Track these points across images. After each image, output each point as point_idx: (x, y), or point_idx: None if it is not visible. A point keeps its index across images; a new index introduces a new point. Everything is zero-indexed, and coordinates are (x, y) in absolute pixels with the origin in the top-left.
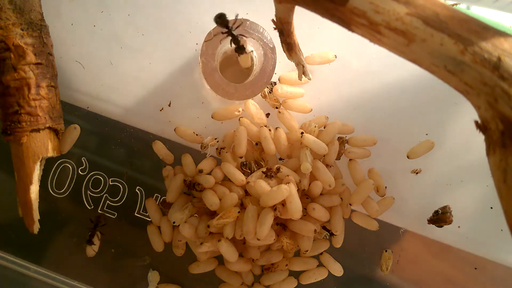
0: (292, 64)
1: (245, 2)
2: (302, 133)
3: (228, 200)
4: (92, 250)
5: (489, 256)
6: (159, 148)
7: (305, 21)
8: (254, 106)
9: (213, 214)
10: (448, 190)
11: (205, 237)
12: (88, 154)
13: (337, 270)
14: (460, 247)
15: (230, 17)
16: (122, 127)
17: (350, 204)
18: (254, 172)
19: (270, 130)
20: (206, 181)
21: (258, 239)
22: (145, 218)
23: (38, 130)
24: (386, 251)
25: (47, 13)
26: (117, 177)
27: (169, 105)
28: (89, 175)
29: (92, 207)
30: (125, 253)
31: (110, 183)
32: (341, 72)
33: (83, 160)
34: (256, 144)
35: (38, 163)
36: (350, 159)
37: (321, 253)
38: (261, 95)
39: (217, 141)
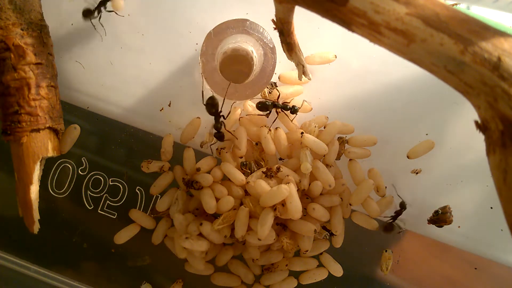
0: (292, 64)
1: (245, 2)
2: (302, 133)
3: (225, 204)
4: None
5: (489, 256)
6: (168, 142)
7: (305, 21)
8: (251, 107)
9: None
10: (448, 190)
11: (193, 234)
12: (88, 154)
13: (337, 270)
14: (460, 247)
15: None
16: (122, 127)
17: (350, 204)
18: (254, 172)
19: (270, 130)
20: (204, 179)
21: (259, 239)
22: None
23: (38, 130)
24: (386, 251)
25: (47, 13)
26: (117, 177)
27: (169, 105)
28: (89, 175)
29: (92, 207)
30: (125, 253)
31: (110, 183)
32: (341, 72)
33: (83, 160)
34: (256, 144)
35: (38, 163)
36: (350, 159)
37: (321, 253)
38: (261, 95)
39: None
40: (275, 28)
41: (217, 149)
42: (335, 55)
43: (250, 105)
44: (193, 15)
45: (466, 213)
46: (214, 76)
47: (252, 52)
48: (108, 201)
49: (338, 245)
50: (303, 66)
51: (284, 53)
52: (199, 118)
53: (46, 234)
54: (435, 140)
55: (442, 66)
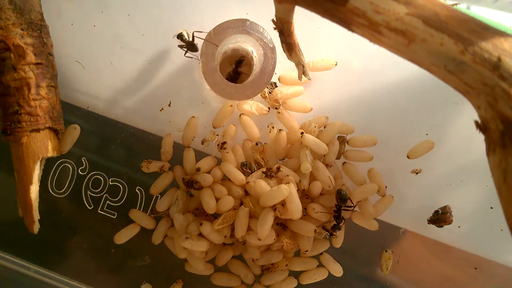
0: (292, 64)
1: (245, 2)
2: (302, 133)
3: (225, 204)
4: None
5: (489, 256)
6: (168, 142)
7: (305, 21)
8: (248, 105)
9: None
10: (448, 190)
11: (193, 234)
12: (88, 154)
13: (337, 270)
14: (460, 247)
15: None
16: (122, 127)
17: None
18: (254, 172)
19: (272, 128)
20: (204, 179)
21: (259, 239)
22: None
23: (38, 130)
24: (386, 251)
25: (47, 13)
26: (117, 177)
27: (169, 105)
28: (89, 175)
29: (92, 207)
30: (125, 253)
31: (110, 183)
32: (341, 72)
33: (83, 160)
34: (256, 144)
35: (38, 163)
36: (343, 163)
37: (321, 253)
38: (261, 95)
39: (217, 135)
40: (275, 28)
41: (218, 144)
42: (336, 62)
43: (248, 103)
44: (193, 15)
45: (466, 213)
46: (214, 76)
47: (252, 52)
48: (108, 201)
49: (338, 245)
50: (303, 66)
51: (284, 53)
52: (194, 117)
53: (46, 234)
54: (435, 140)
55: (442, 66)
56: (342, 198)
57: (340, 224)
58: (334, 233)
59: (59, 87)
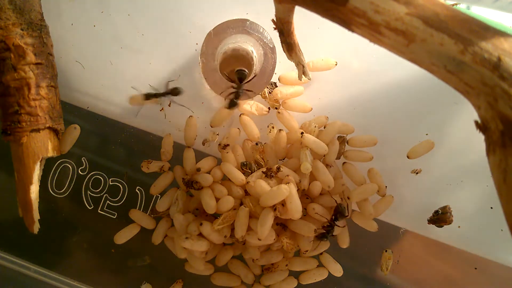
0: (292, 64)
1: (245, 2)
2: (302, 133)
3: (225, 204)
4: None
5: (489, 256)
6: (168, 142)
7: (305, 21)
8: (248, 105)
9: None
10: (448, 190)
11: (193, 234)
12: (88, 154)
13: (337, 270)
14: (460, 247)
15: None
16: (122, 127)
17: (348, 198)
18: (254, 172)
19: (273, 128)
20: (204, 179)
21: (259, 239)
22: None
23: (38, 130)
24: (386, 251)
25: (47, 13)
26: (117, 177)
27: (169, 105)
28: (89, 175)
29: (92, 207)
30: (125, 253)
31: (110, 183)
32: (341, 72)
33: (83, 160)
34: (256, 144)
35: (38, 163)
36: (343, 163)
37: (321, 253)
38: (261, 95)
39: (217, 135)
40: (275, 28)
41: (219, 144)
42: (336, 62)
43: (248, 103)
44: (193, 15)
45: (466, 213)
46: (214, 76)
47: (252, 52)
48: (108, 201)
49: (345, 245)
50: (303, 66)
51: (284, 53)
52: (192, 116)
53: (46, 234)
54: (435, 140)
55: (442, 66)
56: (340, 213)
57: (328, 236)
58: (323, 240)
59: (59, 87)
